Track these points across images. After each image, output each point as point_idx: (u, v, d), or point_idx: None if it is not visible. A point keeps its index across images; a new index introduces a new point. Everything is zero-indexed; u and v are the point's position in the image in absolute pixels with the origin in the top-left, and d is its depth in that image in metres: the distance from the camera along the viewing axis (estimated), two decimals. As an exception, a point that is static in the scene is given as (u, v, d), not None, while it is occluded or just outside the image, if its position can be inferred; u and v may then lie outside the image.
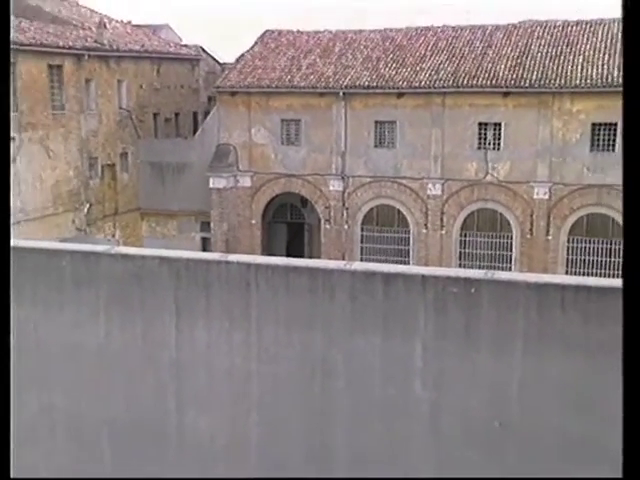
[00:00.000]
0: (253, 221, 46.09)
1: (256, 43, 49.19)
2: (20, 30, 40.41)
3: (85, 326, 21.95)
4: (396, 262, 36.99)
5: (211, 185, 45.53)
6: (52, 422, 22.93)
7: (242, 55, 48.24)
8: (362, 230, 44.62)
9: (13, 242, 24.34)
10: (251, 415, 20.49)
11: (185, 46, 57.34)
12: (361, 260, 41.03)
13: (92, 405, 22.41)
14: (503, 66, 42.39)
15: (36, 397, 22.63)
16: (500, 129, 41.50)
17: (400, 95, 42.68)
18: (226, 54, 56.10)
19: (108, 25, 49.96)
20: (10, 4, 5.31)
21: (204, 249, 43.60)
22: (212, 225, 46.18)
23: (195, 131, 51.09)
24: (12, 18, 42.73)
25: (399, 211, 43.63)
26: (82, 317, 21.94)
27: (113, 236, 45.23)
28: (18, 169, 38.56)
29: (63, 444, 22.87)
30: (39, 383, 22.81)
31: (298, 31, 49.84)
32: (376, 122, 43.33)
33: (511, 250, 42.27)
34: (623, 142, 4.11)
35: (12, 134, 38.07)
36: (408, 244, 43.54)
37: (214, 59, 57.71)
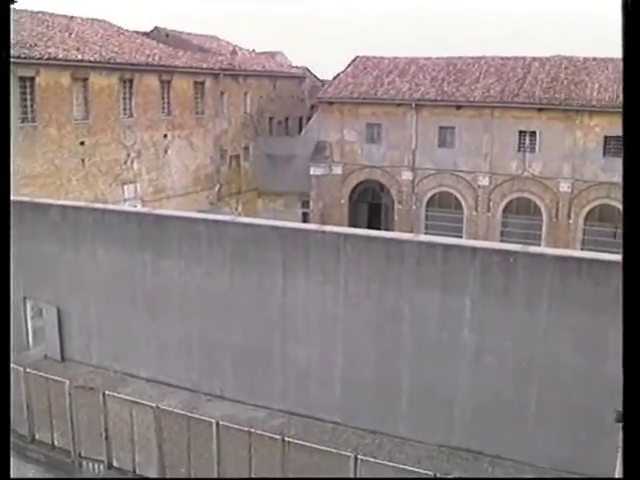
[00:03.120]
0: (342, 201, 46.35)
1: (349, 65, 49.45)
2: (176, 57, 41.05)
3: (215, 276, 22.40)
4: (452, 236, 36.75)
5: (311, 172, 45.98)
6: (190, 344, 23.53)
7: (338, 74, 48.57)
8: (426, 210, 44.67)
9: (164, 211, 24.71)
10: (337, 347, 20.72)
11: (295, 67, 57.60)
12: (425, 234, 40.98)
13: (219, 334, 22.93)
14: (538, 88, 42.08)
15: (181, 325, 23.30)
16: (535, 136, 41.21)
17: (459, 107, 42.56)
18: (325, 73, 56.23)
19: (239, 52, 50.51)
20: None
21: (304, 221, 43.90)
22: (311, 203, 46.60)
23: (300, 131, 51.26)
24: (154, 43, 43.31)
25: (455, 197, 43.51)
26: (213, 269, 22.40)
27: (236, 209, 45.79)
28: (170, 158, 39.23)
29: (197, 361, 23.46)
30: (183, 315, 23.44)
31: (382, 57, 49.95)
32: (440, 127, 43.21)
33: (541, 230, 42.00)
34: (624, 141, 3.88)
35: (166, 132, 38.72)
36: (462, 222, 43.43)
37: (316, 77, 57.85)
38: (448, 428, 18.99)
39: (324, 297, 19.97)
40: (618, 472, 11.91)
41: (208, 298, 21.94)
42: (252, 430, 16.10)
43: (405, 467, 15.03)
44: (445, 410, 18.98)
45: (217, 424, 16.06)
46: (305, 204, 47.43)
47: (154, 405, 17.02)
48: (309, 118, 51.11)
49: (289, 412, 21.07)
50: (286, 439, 15.61)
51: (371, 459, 15.29)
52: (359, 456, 15.01)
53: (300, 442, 15.77)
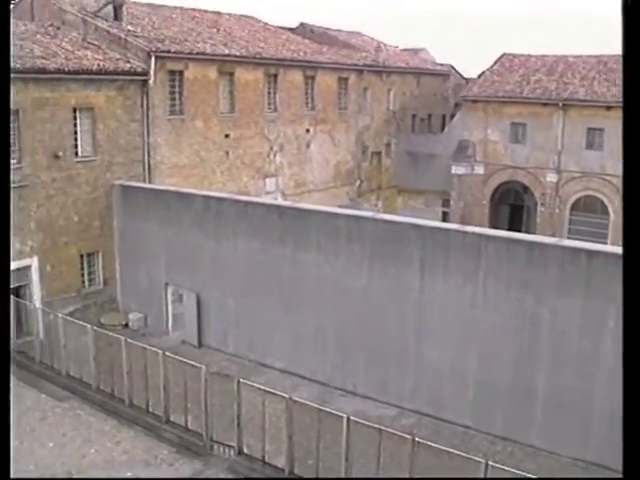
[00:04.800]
0: (483, 201, 45.61)
1: (495, 63, 48.56)
2: (321, 53, 41.50)
3: (353, 271, 22.52)
4: (596, 242, 35.53)
5: (453, 171, 45.39)
6: (324, 338, 23.74)
7: (483, 72, 47.80)
8: (570, 214, 43.33)
9: (305, 205, 25.02)
10: (472, 350, 20.42)
11: (439, 64, 57.12)
12: (568, 238, 39.78)
13: (353, 330, 23.01)
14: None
15: (316, 318, 23.54)
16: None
17: (609, 108, 40.92)
18: (470, 71, 55.52)
19: (383, 49, 50.48)
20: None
21: (444, 220, 43.44)
22: (451, 202, 46.09)
23: (443, 129, 50.81)
24: (299, 39, 43.85)
25: (602, 201, 41.97)
26: (351, 264, 22.53)
27: (376, 205, 45.85)
28: (311, 152, 39.68)
29: (331, 355, 23.61)
30: (319, 309, 23.64)
31: (529, 54, 48.79)
32: (588, 128, 41.73)
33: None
34: (624, 140, 3.69)
35: (309, 127, 39.19)
36: (607, 229, 41.84)
37: (460, 75, 57.20)
38: (583, 441, 18.38)
39: (462, 298, 19.74)
40: None
41: (345, 293, 22.12)
42: (382, 428, 16.09)
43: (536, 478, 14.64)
44: (581, 422, 18.38)
45: (348, 419, 16.14)
46: (445, 203, 46.99)
47: (287, 396, 17.27)
48: (452, 116, 50.59)
49: (420, 412, 20.96)
50: (416, 439, 15.51)
51: (501, 466, 14.97)
52: (490, 462, 14.73)
53: (430, 443, 15.63)
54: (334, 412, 16.91)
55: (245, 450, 18.19)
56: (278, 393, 17.75)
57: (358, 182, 44.44)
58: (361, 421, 16.42)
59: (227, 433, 18.52)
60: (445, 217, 45.90)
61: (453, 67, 56.93)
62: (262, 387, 18.14)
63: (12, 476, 8.09)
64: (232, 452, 18.29)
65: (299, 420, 17.30)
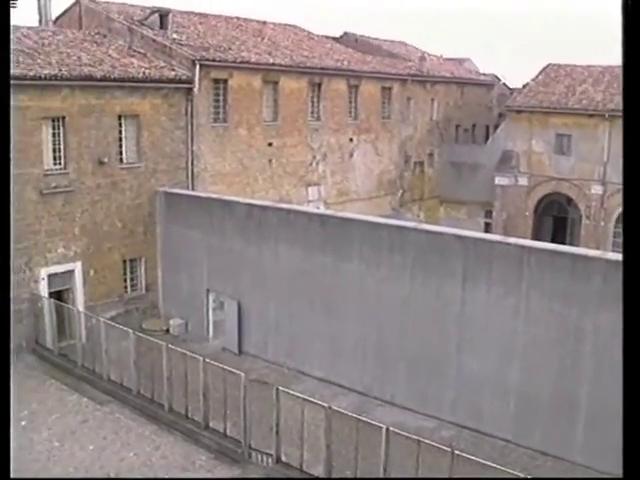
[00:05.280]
0: (526, 213, 45.17)
1: (540, 73, 48.12)
2: (365, 62, 41.54)
3: (394, 281, 22.42)
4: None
5: (496, 182, 45.04)
6: (364, 348, 23.66)
7: (528, 83, 47.42)
8: (615, 227, 42.67)
9: (347, 214, 24.97)
10: (513, 362, 20.18)
11: (483, 74, 56.82)
12: (613, 251, 39.20)
13: (394, 340, 22.90)
14: None
15: (356, 328, 23.42)
16: None
17: (657, 119, 40.38)
18: (514, 81, 55.26)
19: (427, 58, 50.36)
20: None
21: (486, 231, 43.09)
22: (494, 213, 45.71)
23: (487, 140, 50.48)
24: (343, 48, 43.85)
25: (648, 214, 41.34)
26: (393, 274, 22.44)
27: (418, 216, 45.66)
28: (354, 162, 39.68)
29: (370, 365, 23.53)
30: (359, 318, 23.51)
31: (574, 65, 48.27)
32: (635, 140, 41.19)
33: None
34: (624, 141, 3.63)
35: (352, 136, 39.18)
36: (653, 241, 41.24)
37: (505, 85, 56.85)
38: (627, 458, 18.04)
39: (504, 310, 19.56)
40: None
41: (385, 303, 22.05)
42: (421, 439, 15.97)
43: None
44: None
45: (387, 430, 16.05)
46: (488, 214, 46.64)
47: (326, 405, 17.24)
48: (496, 126, 50.26)
49: (459, 424, 20.78)
50: (455, 452, 15.37)
51: (542, 481, 14.78)
52: (529, 477, 14.55)
53: (469, 456, 15.47)
54: (373, 422, 16.84)
55: (283, 458, 18.17)
56: (317, 402, 17.72)
57: (400, 192, 44.34)
58: (400, 432, 16.31)
59: (265, 441, 18.52)
60: (487, 228, 45.55)
61: (497, 77, 56.61)
62: (301, 395, 18.12)
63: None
64: (270, 460, 18.29)
65: (338, 429, 17.25)
